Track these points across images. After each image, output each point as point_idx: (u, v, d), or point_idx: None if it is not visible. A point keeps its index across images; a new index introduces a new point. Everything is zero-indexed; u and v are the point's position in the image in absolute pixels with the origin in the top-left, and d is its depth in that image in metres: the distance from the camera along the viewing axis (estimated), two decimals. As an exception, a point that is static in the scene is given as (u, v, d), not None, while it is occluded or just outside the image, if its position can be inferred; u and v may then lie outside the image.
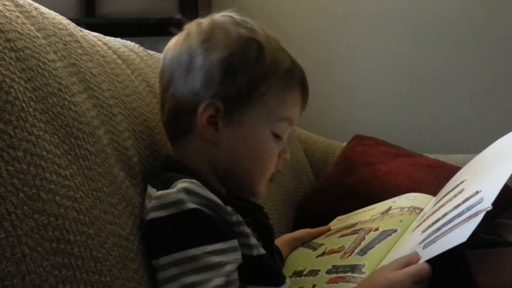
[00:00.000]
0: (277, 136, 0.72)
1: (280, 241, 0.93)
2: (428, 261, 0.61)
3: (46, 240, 0.46)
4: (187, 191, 0.60)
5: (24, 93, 0.51)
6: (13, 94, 0.49)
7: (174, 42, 0.73)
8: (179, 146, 0.73)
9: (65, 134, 0.55)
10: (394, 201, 0.94)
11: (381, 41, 2.13)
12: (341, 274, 0.74)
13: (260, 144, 0.70)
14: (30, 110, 0.51)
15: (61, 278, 0.46)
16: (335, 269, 0.76)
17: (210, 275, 0.57)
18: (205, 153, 0.70)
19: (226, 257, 0.59)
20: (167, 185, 0.62)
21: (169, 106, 0.71)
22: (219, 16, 0.73)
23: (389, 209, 0.90)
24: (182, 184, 0.61)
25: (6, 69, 0.50)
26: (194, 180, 0.62)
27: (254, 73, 0.68)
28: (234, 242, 0.61)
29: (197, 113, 0.68)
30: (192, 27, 0.73)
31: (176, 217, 0.60)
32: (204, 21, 0.73)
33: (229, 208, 0.64)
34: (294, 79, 0.72)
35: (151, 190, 0.65)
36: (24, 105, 0.50)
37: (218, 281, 0.57)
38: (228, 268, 0.59)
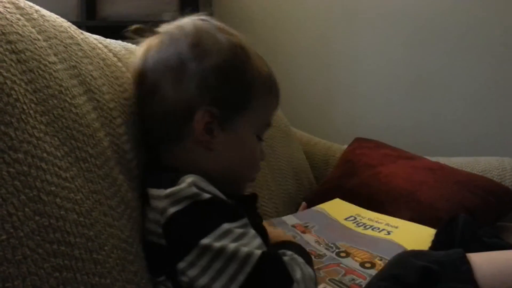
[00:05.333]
0: (259, 139, 0.75)
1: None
2: (428, 262, 0.61)
3: (46, 242, 0.46)
4: (197, 184, 0.61)
5: (25, 95, 0.51)
6: (14, 96, 0.49)
7: (155, 44, 0.71)
8: (167, 153, 0.71)
9: (66, 136, 0.55)
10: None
11: (382, 44, 2.13)
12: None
13: (250, 148, 0.73)
14: (31, 112, 0.51)
15: (61, 279, 0.47)
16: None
17: (248, 240, 0.60)
18: (198, 158, 0.69)
19: (250, 228, 0.63)
20: (173, 183, 0.61)
21: (153, 112, 0.70)
22: (194, 19, 0.72)
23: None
24: (190, 178, 0.62)
25: (7, 71, 0.50)
26: (199, 176, 0.63)
27: (245, 80, 0.70)
28: (246, 220, 0.64)
29: (193, 120, 0.67)
30: (173, 30, 0.72)
31: (199, 203, 0.61)
32: (185, 25, 0.72)
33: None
34: (274, 84, 0.75)
35: (156, 192, 0.62)
36: (25, 107, 0.50)
37: (258, 241, 0.61)
38: (255, 233, 0.63)
